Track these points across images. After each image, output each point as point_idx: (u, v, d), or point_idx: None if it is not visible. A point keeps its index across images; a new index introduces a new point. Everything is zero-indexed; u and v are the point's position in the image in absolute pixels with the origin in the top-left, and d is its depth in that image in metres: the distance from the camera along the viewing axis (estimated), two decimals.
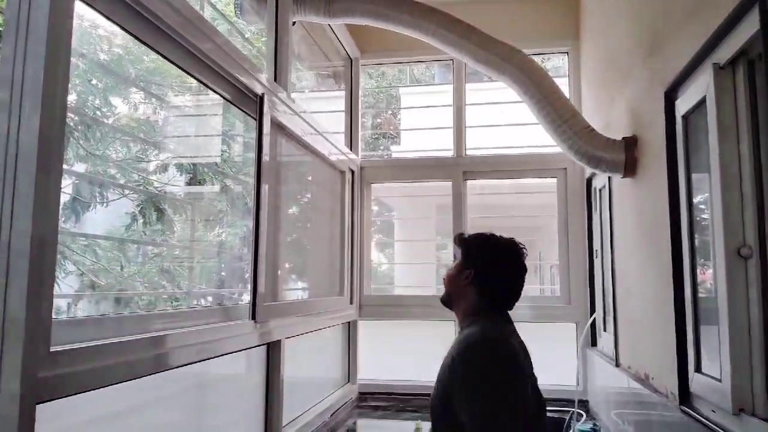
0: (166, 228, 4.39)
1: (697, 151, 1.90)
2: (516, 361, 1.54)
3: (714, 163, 1.64)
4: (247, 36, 4.01)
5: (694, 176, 1.93)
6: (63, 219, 4.29)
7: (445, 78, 4.43)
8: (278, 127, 2.64)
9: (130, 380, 1.55)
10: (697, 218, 1.92)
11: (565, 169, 3.94)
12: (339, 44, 3.92)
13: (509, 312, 1.79)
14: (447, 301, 1.82)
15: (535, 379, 1.66)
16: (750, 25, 1.44)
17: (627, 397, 2.71)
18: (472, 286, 1.72)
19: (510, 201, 5.84)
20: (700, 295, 1.89)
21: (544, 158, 4.00)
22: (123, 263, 4.74)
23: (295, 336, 2.75)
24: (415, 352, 4.04)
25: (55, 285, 4.12)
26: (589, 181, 3.75)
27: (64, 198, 4.37)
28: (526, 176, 4.26)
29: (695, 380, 1.85)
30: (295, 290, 3.29)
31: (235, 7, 2.76)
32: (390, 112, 11.13)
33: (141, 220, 4.41)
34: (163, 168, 4.46)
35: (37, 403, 1.21)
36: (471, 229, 4.09)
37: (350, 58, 4.14)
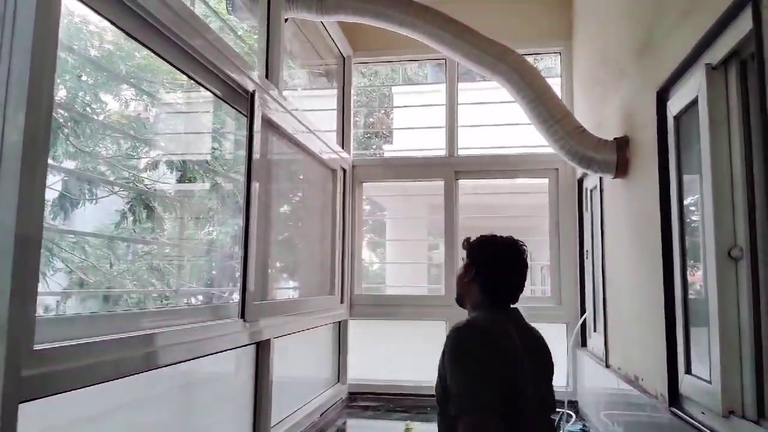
0: (155, 226, 4.35)
1: (688, 151, 1.90)
2: (492, 344, 1.65)
3: (705, 163, 1.64)
4: (240, 33, 3.98)
5: (686, 177, 1.93)
6: (52, 216, 4.25)
7: (438, 77, 4.43)
8: (269, 124, 2.62)
9: (117, 379, 1.53)
10: (688, 219, 1.92)
11: (557, 169, 3.95)
12: (332, 42, 3.90)
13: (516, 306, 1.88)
14: (458, 300, 1.92)
15: (534, 372, 1.70)
16: (742, 25, 1.44)
17: (617, 398, 2.71)
18: (475, 283, 1.82)
19: (502, 201, 5.84)
20: (690, 296, 1.89)
21: (536, 158, 4.01)
22: (112, 261, 4.70)
23: (284, 335, 2.73)
24: (406, 352, 4.04)
25: (44, 282, 4.06)
26: (580, 182, 3.75)
27: (52, 195, 4.34)
28: (518, 176, 4.26)
29: (685, 382, 1.85)
30: (285, 289, 3.27)
31: (227, 4, 2.74)
32: (383, 111, 11.11)
33: (131, 218, 4.37)
34: (154, 165, 4.42)
35: (20, 402, 1.19)
36: (462, 229, 4.08)
37: (343, 56, 4.13)
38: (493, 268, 1.81)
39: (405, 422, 3.39)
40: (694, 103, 1.75)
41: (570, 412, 3.51)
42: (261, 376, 2.46)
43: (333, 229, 3.74)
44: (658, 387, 2.06)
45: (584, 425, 3.36)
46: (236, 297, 2.33)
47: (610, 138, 2.65)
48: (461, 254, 1.98)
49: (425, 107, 4.88)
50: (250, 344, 2.37)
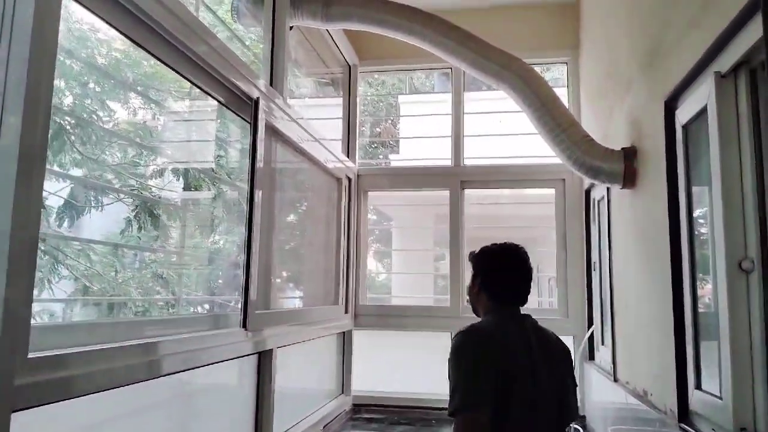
0: (160, 234, 4.34)
1: (697, 162, 1.87)
2: (486, 344, 1.74)
3: (715, 173, 1.60)
4: (247, 44, 3.99)
5: (695, 188, 1.90)
6: (57, 223, 4.25)
7: (445, 87, 4.41)
8: (274, 132, 2.60)
9: (113, 388, 1.50)
10: (697, 231, 1.88)
11: (564, 179, 3.91)
12: (338, 51, 3.90)
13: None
14: (473, 310, 2.01)
15: (530, 370, 1.76)
16: (752, 33, 1.41)
17: (625, 413, 2.65)
18: (483, 292, 1.92)
19: (509, 211, 5.80)
20: (700, 309, 1.85)
21: (543, 168, 3.97)
22: (117, 268, 4.69)
23: (287, 345, 2.69)
24: (412, 364, 3.99)
25: (48, 290, 4.02)
26: (587, 192, 3.71)
27: (58, 202, 4.34)
28: (524, 186, 4.23)
29: (695, 397, 1.81)
30: (288, 298, 3.24)
31: (232, 11, 2.74)
32: (390, 121, 11.12)
33: (136, 225, 4.37)
34: (159, 173, 4.42)
35: (13, 411, 1.16)
36: (468, 239, 4.05)
37: (349, 65, 4.12)
38: (495, 273, 1.91)
39: None
40: (703, 112, 1.71)
41: (578, 427, 3.45)
42: (263, 386, 2.43)
43: (338, 238, 3.72)
44: (668, 402, 2.02)
45: None
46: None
47: (618, 148, 2.61)
48: (468, 267, 2.06)
49: (432, 117, 4.86)
50: (251, 354, 2.34)
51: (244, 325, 2.19)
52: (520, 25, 4.09)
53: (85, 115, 4.18)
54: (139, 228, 4.42)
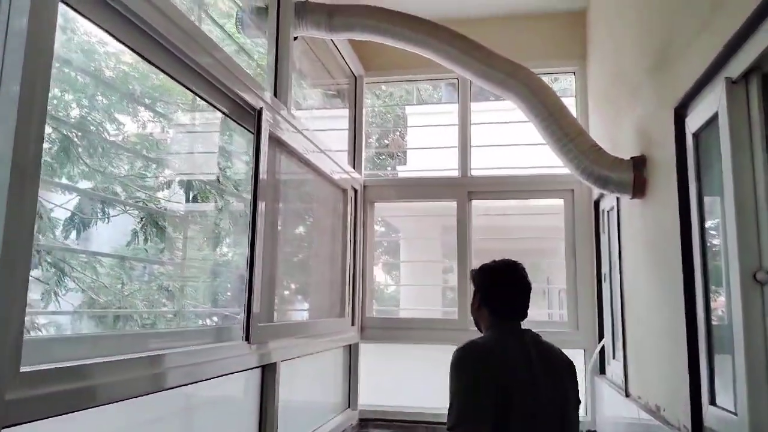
0: (166, 246, 4.32)
1: (709, 170, 1.82)
2: (484, 359, 1.80)
3: (727, 181, 1.56)
4: (256, 57, 4.00)
5: (706, 198, 1.85)
6: (64, 235, 4.25)
7: (452, 98, 4.39)
8: (277, 142, 2.58)
9: (110, 403, 1.47)
10: (710, 243, 1.83)
11: (573, 190, 3.86)
12: (343, 62, 3.89)
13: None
14: (476, 326, 2.09)
15: (530, 385, 1.80)
16: (764, 37, 1.37)
17: (637, 429, 2.58)
18: (483, 308, 2.01)
19: (517, 222, 5.75)
20: (713, 322, 1.79)
21: (551, 179, 3.93)
22: (124, 281, 4.67)
23: (292, 359, 2.65)
24: (420, 377, 3.93)
25: (55, 302, 4.00)
26: (597, 203, 3.66)
27: (64, 214, 4.34)
28: (533, 197, 4.18)
29: (709, 413, 1.75)
30: (293, 311, 3.20)
31: (236, 22, 2.74)
32: (398, 132, 11.12)
33: (142, 237, 4.36)
34: (166, 185, 4.42)
35: (4, 428, 1.13)
36: (476, 251, 4.00)
37: (354, 75, 4.11)
38: (494, 289, 2.00)
39: None
40: (714, 118, 1.67)
41: None
42: (266, 400, 2.39)
43: (344, 250, 3.68)
44: (681, 418, 1.96)
45: None
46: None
47: (627, 157, 2.57)
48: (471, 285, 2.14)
49: (439, 127, 4.82)
50: (254, 368, 2.30)
51: (247, 339, 2.16)
52: (527, 34, 4.07)
53: (92, 128, 4.19)
54: (146, 240, 4.42)
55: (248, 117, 2.29)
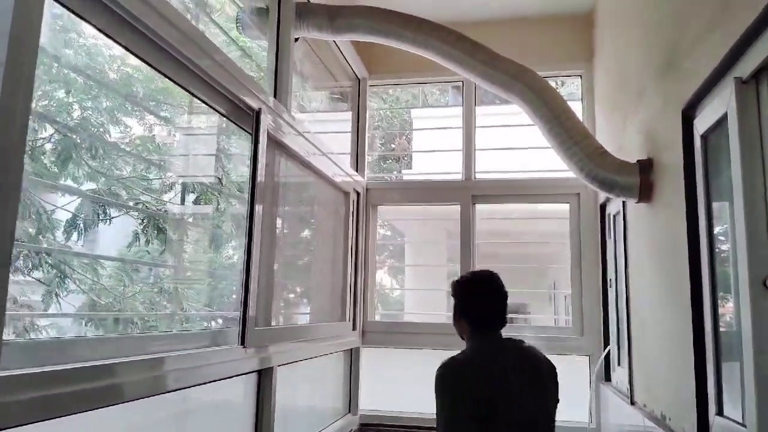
0: (167, 248, 4.30)
1: (717, 174, 1.77)
2: (460, 378, 1.87)
3: (736, 184, 1.50)
4: (259, 61, 3.97)
5: (715, 200, 1.80)
6: (65, 236, 4.23)
7: (459, 102, 4.36)
8: (277, 144, 2.55)
9: (94, 409, 1.43)
10: (718, 248, 1.78)
11: (578, 194, 3.81)
12: (346, 64, 3.86)
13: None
14: (460, 337, 2.13)
15: (512, 394, 1.86)
16: None
17: None
18: (463, 319, 2.05)
19: (522, 227, 5.69)
20: (721, 329, 1.74)
21: (557, 183, 3.87)
22: (126, 283, 4.66)
23: (289, 363, 2.61)
24: (422, 383, 3.87)
25: (56, 303, 3.96)
26: (603, 207, 3.60)
27: (65, 215, 4.33)
28: (537, 201, 4.13)
29: (716, 424, 1.69)
30: (292, 315, 3.17)
31: (237, 23, 2.71)
32: (404, 137, 11.10)
33: (143, 239, 4.34)
34: (168, 187, 4.40)
35: None
36: (482, 255, 3.95)
37: (358, 78, 4.08)
38: (470, 300, 2.05)
39: None
40: (723, 120, 1.62)
41: None
42: (262, 405, 2.35)
43: (345, 253, 3.64)
44: (687, 428, 1.90)
45: None
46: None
47: (633, 160, 2.52)
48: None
49: (444, 131, 4.78)
50: (250, 372, 2.26)
51: (243, 343, 2.12)
52: (533, 37, 4.02)
53: (93, 129, 4.17)
54: (147, 242, 4.40)
55: (247, 118, 2.26)
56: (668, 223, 2.17)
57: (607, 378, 3.48)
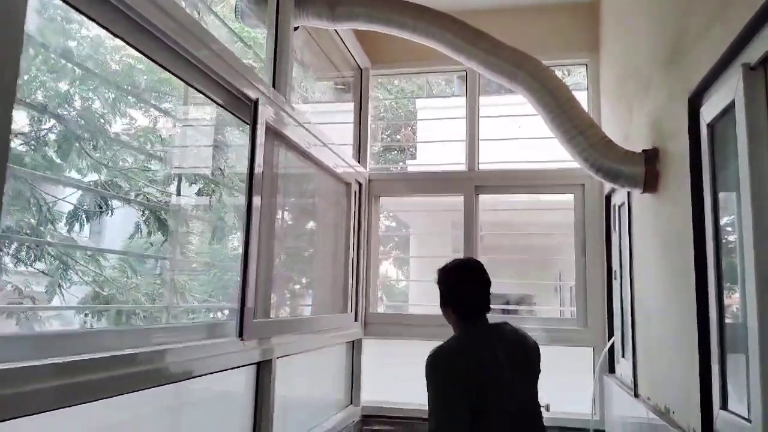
0: (169, 239, 4.29)
1: (724, 164, 1.72)
2: (455, 363, 1.90)
3: (743, 174, 1.46)
4: (250, 44, 3.91)
5: (721, 190, 1.75)
6: (67, 228, 4.23)
7: (463, 91, 4.30)
8: (276, 135, 2.52)
9: (93, 402, 1.42)
10: (724, 239, 1.74)
11: (583, 185, 3.76)
12: (348, 54, 3.81)
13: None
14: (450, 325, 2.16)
15: (501, 378, 1.92)
16: None
17: (646, 430, 2.50)
18: (447, 307, 2.09)
19: (526, 218, 5.65)
20: (727, 321, 1.70)
21: (561, 173, 3.83)
22: (129, 274, 4.66)
23: (289, 355, 2.59)
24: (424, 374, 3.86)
25: (59, 295, 3.96)
26: (608, 198, 3.56)
27: (67, 207, 4.32)
28: (541, 192, 4.08)
29: (720, 418, 1.66)
30: (292, 307, 3.15)
31: (236, 12, 2.67)
32: (410, 128, 11.04)
33: (145, 230, 4.33)
34: (171, 179, 4.39)
35: None
36: (486, 247, 3.91)
37: (360, 68, 4.03)
38: (454, 287, 2.09)
39: None
40: (731, 108, 1.58)
41: None
42: (261, 397, 2.33)
43: (347, 245, 3.61)
44: (691, 422, 1.87)
45: None
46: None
47: (639, 150, 2.47)
48: None
49: (448, 121, 4.72)
50: (248, 365, 2.24)
51: (241, 335, 2.10)
52: (538, 26, 3.96)
53: (95, 121, 4.15)
54: (149, 233, 4.39)
55: (244, 109, 2.22)
56: (674, 214, 2.13)
57: (611, 370, 3.45)
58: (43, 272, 4.21)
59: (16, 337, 1.39)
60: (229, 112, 2.17)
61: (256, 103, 2.22)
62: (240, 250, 2.17)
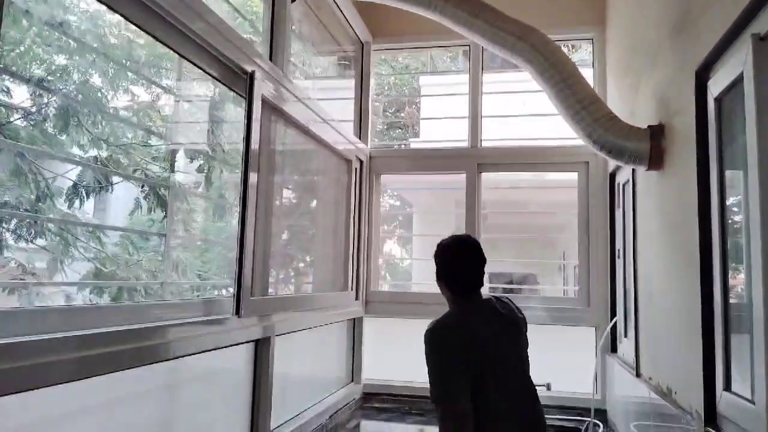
0: (168, 216, 4.27)
1: (731, 140, 1.67)
2: (455, 337, 1.94)
3: (751, 150, 1.41)
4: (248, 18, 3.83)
5: (728, 166, 1.70)
6: (67, 204, 4.21)
7: (467, 67, 4.22)
8: (274, 110, 2.47)
9: (87, 378, 1.41)
10: (730, 219, 1.69)
11: (587, 162, 3.70)
12: (349, 27, 3.73)
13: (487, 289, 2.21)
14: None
15: (496, 350, 1.98)
16: None
17: (648, 410, 2.48)
18: (446, 281, 2.12)
19: (529, 197, 5.60)
20: (731, 301, 1.66)
21: (565, 151, 3.76)
22: (131, 251, 4.65)
23: (287, 333, 2.57)
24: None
25: (62, 272, 3.95)
26: (612, 176, 3.50)
27: (66, 183, 4.29)
28: (545, 170, 4.03)
29: (724, 399, 1.63)
30: (291, 284, 3.12)
31: None
32: (414, 106, 10.93)
33: (146, 206, 4.31)
34: (171, 155, 4.35)
35: None
36: (490, 226, 3.87)
37: (361, 42, 3.95)
38: (447, 264, 2.12)
39: (419, 428, 3.22)
40: (739, 81, 1.52)
41: (597, 422, 3.29)
42: (260, 375, 2.32)
43: (347, 223, 3.58)
44: (693, 403, 1.84)
45: None
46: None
47: (644, 126, 2.41)
48: None
49: (453, 99, 4.65)
50: (246, 342, 2.23)
51: (238, 312, 2.07)
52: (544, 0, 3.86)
53: (93, 94, 4.10)
54: (149, 210, 4.37)
55: (240, 82, 2.17)
56: (679, 192, 2.08)
57: (613, 350, 3.43)
58: (44, 248, 4.20)
59: (13, 312, 1.37)
60: (225, 85, 2.12)
61: (251, 76, 2.17)
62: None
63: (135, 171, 4.22)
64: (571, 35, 4.01)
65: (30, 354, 1.24)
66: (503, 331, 2.05)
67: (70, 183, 4.17)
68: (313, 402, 3.08)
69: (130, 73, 4.36)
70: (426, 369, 1.96)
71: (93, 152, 4.20)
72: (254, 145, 2.18)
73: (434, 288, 2.23)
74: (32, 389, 1.26)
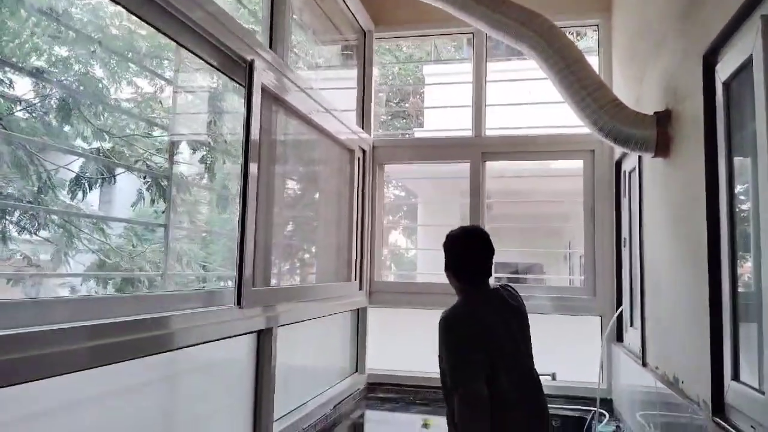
0: (171, 207, 4.26)
1: (740, 126, 1.63)
2: (470, 325, 2.01)
3: (761, 135, 1.37)
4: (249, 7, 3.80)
5: (736, 153, 1.66)
6: (70, 195, 4.21)
7: (471, 56, 4.17)
8: (275, 99, 2.44)
9: (86, 370, 1.39)
10: (738, 208, 1.65)
11: (593, 150, 3.66)
12: (351, 16, 3.68)
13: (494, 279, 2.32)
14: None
15: (507, 337, 2.07)
16: None
17: (654, 399, 2.46)
18: (456, 272, 2.16)
19: (534, 186, 5.55)
20: (739, 290, 1.63)
21: (570, 139, 3.72)
22: (134, 242, 4.65)
23: (289, 324, 2.56)
24: (430, 342, 3.84)
25: (66, 263, 3.94)
26: (618, 164, 3.46)
27: (69, 175, 4.28)
28: (550, 158, 3.99)
29: (731, 389, 1.60)
30: (294, 275, 3.11)
31: None
32: (418, 96, 10.87)
33: (149, 198, 4.30)
34: (173, 146, 4.33)
35: None
36: (495, 215, 3.84)
37: (363, 30, 3.91)
38: (456, 255, 2.16)
39: (423, 417, 3.21)
40: (748, 64, 1.48)
41: (603, 411, 3.27)
42: (262, 366, 2.31)
43: (350, 213, 3.55)
44: (701, 392, 1.82)
45: (618, 426, 3.11)
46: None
47: (650, 112, 2.37)
48: None
49: (457, 88, 4.60)
50: (248, 333, 2.21)
51: (239, 303, 2.06)
52: None
53: (94, 86, 4.08)
54: (152, 201, 4.36)
55: (239, 71, 2.14)
56: (686, 179, 2.04)
57: (619, 339, 3.40)
58: (47, 240, 4.20)
59: (21, 302, 1.37)
60: (224, 74, 2.09)
61: (251, 64, 2.14)
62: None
63: (137, 162, 4.21)
64: (577, 22, 3.95)
65: (37, 344, 1.23)
66: (512, 321, 2.11)
67: (73, 175, 4.16)
68: (317, 392, 3.07)
69: (131, 65, 4.33)
70: (438, 357, 2.03)
71: (96, 144, 4.19)
72: (254, 135, 2.15)
73: (439, 278, 2.26)
74: (39, 379, 1.26)
